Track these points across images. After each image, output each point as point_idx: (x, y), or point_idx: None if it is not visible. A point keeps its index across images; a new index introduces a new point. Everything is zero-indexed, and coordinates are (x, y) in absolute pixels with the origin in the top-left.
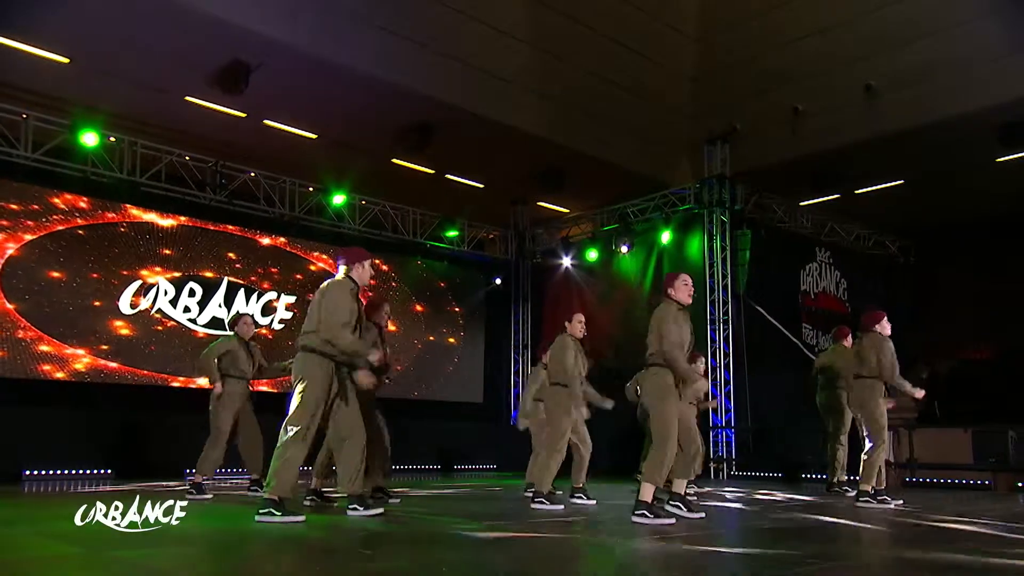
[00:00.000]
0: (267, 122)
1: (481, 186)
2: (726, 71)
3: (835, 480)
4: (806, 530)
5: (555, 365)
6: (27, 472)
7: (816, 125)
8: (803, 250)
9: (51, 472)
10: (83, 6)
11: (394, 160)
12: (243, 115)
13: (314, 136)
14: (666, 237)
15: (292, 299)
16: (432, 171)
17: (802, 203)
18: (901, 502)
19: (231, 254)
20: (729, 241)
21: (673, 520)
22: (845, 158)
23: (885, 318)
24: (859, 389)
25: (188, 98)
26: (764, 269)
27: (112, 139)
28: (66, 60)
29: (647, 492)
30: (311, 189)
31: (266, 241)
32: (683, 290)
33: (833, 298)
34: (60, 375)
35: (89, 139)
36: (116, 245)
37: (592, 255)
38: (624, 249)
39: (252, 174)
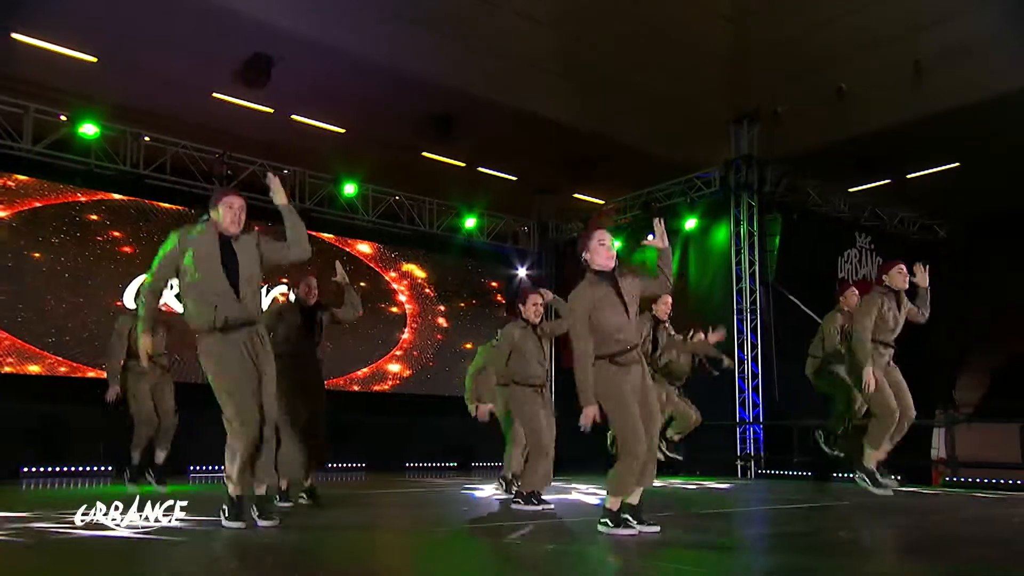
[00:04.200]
0: (295, 117)
1: (515, 178)
2: (765, 51)
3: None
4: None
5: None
6: (24, 468)
7: (861, 106)
8: (841, 235)
9: (49, 469)
10: (109, 5)
11: (424, 153)
12: (270, 111)
13: (342, 131)
14: (691, 223)
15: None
16: (463, 164)
17: (850, 189)
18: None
19: None
20: (757, 226)
21: (635, 532)
22: (894, 140)
23: (896, 267)
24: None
25: (215, 95)
26: (797, 256)
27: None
28: (94, 59)
29: (613, 501)
30: (333, 182)
31: (275, 233)
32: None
33: (875, 285)
34: (63, 369)
35: (89, 130)
36: (120, 238)
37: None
38: (649, 237)
39: (260, 164)
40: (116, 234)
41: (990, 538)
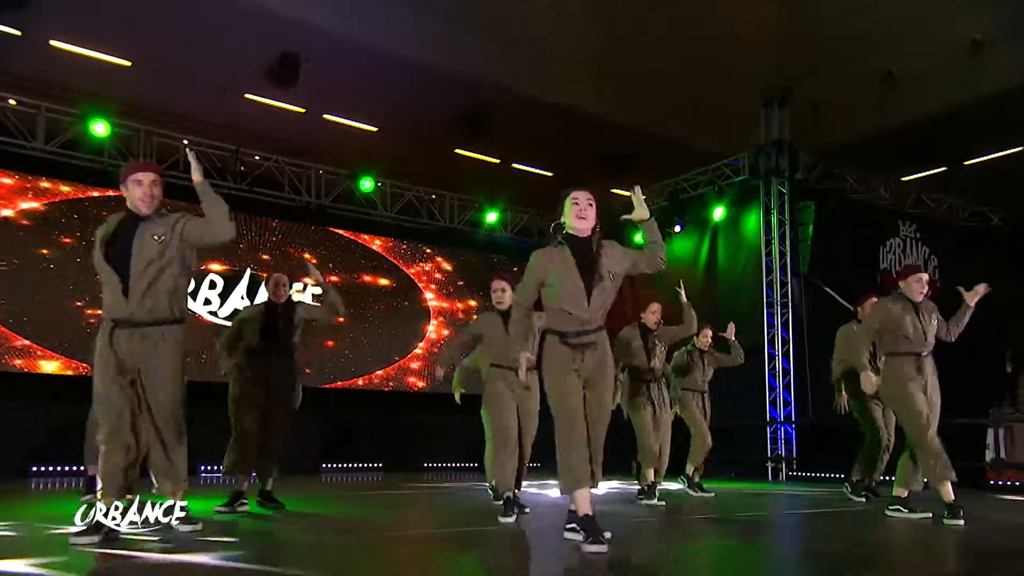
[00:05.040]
0: (327, 117)
1: (550, 174)
2: (807, 36)
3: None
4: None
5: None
6: (34, 468)
7: (913, 90)
8: (882, 224)
9: (58, 468)
10: (142, 10)
11: (458, 151)
12: (302, 111)
13: (374, 129)
14: (719, 213)
15: (319, 290)
16: (497, 160)
17: (904, 178)
18: (930, 514)
19: (252, 244)
20: (789, 215)
21: (605, 547)
22: (949, 125)
23: (914, 276)
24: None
25: (247, 96)
26: (834, 245)
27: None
28: (128, 63)
29: (578, 499)
30: (352, 178)
31: (290, 230)
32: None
33: None
34: (70, 371)
35: (100, 129)
36: None
37: (640, 237)
38: (676, 229)
39: (276, 161)
40: None
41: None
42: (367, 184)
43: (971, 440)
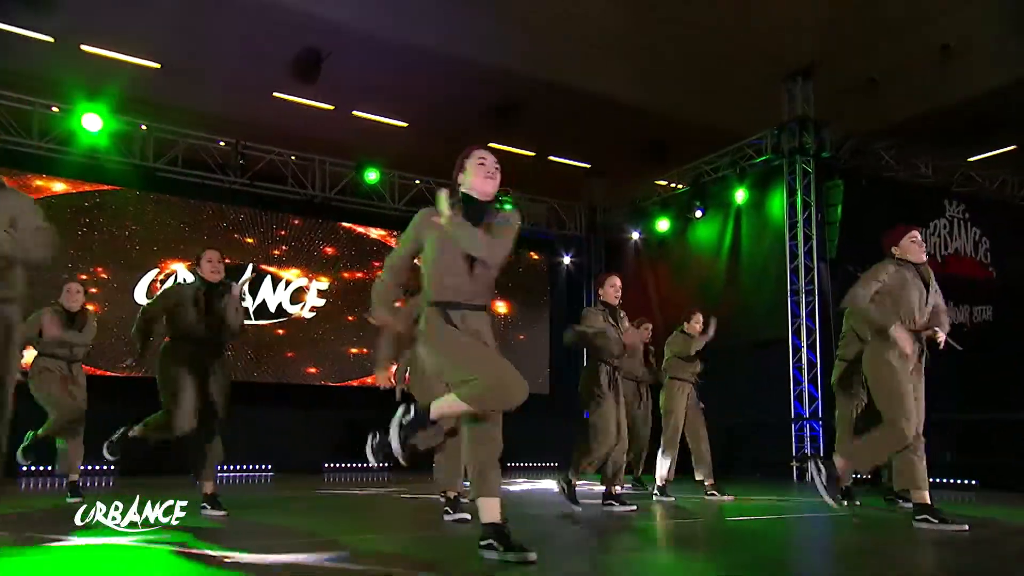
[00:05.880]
0: (356, 113)
1: (588, 166)
2: (855, 15)
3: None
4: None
5: None
6: (23, 468)
7: (970, 64)
8: (925, 203)
9: (48, 468)
10: (168, 12)
11: (491, 144)
12: (331, 107)
13: (405, 124)
14: (741, 196)
15: (324, 285)
16: (533, 153)
17: (969, 159)
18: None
19: (257, 239)
20: (815, 196)
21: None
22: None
23: (908, 235)
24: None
25: (276, 94)
26: (868, 228)
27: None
28: (157, 65)
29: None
30: (359, 170)
31: (296, 224)
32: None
33: (971, 261)
34: None
35: (91, 124)
36: (133, 234)
37: (663, 225)
38: (698, 214)
39: (279, 154)
40: (130, 226)
41: None
42: (372, 176)
43: (1013, 436)
